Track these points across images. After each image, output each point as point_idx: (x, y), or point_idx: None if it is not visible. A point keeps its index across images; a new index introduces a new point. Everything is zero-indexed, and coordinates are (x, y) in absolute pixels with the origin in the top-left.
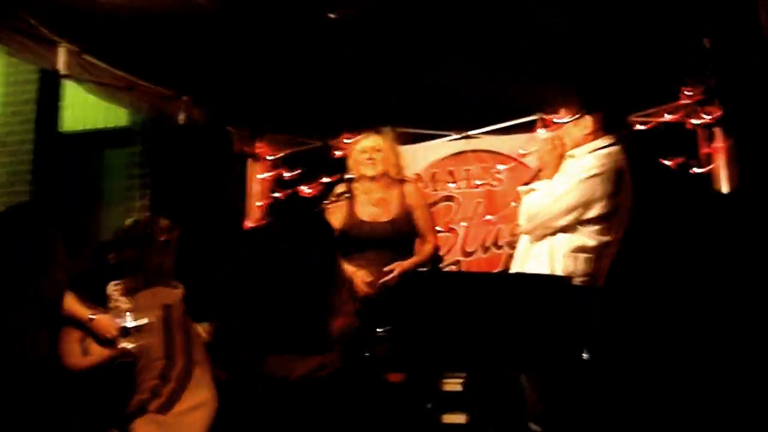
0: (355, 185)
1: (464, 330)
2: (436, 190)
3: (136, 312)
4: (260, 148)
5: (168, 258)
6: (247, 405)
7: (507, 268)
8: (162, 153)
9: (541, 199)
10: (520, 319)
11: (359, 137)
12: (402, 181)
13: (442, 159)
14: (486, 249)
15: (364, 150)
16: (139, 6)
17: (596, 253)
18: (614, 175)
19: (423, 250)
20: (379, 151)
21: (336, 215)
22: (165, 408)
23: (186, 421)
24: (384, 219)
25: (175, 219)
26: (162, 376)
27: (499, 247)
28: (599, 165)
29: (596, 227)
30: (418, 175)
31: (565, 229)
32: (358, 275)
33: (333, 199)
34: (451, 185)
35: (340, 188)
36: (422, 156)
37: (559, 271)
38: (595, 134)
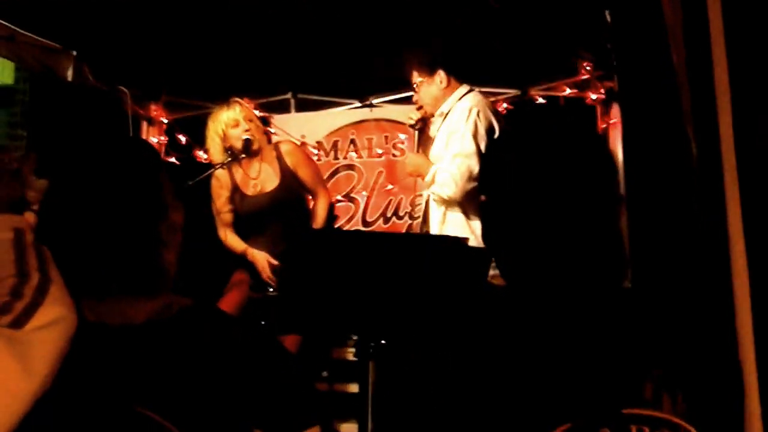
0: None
1: (356, 293)
2: (337, 159)
3: None
4: (155, 110)
5: (18, 189)
6: (88, 356)
7: None
8: (48, 112)
9: (456, 162)
10: (412, 281)
11: (216, 111)
12: (275, 144)
13: (344, 127)
14: (387, 219)
15: (234, 123)
16: None
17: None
18: (489, 112)
19: (318, 210)
20: (251, 120)
21: (221, 197)
22: (17, 323)
23: (40, 337)
24: (270, 188)
25: (61, 182)
26: (14, 292)
27: (400, 217)
28: (476, 103)
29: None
30: (303, 143)
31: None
32: (259, 258)
33: (218, 166)
34: (352, 154)
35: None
36: (324, 123)
37: (477, 232)
38: (452, 86)
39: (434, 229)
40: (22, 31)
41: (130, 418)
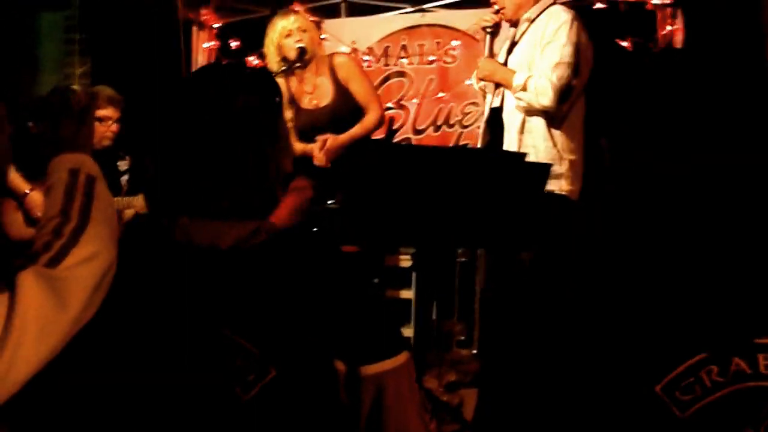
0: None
1: (415, 204)
2: (388, 65)
3: (47, 178)
4: (205, 15)
5: (85, 127)
6: (168, 276)
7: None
8: (102, 16)
9: (558, 71)
10: (473, 195)
11: (275, 19)
12: (330, 56)
13: (396, 32)
14: (437, 127)
15: (288, 33)
16: None
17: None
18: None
19: (364, 121)
20: (304, 31)
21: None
22: (53, 262)
23: (74, 273)
24: (324, 103)
25: (118, 87)
26: (55, 232)
27: (451, 126)
28: (574, 15)
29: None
30: (354, 49)
31: None
32: (311, 146)
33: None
34: (403, 60)
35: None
36: (375, 29)
37: (558, 140)
38: None
39: (511, 136)
40: None
41: (214, 340)
